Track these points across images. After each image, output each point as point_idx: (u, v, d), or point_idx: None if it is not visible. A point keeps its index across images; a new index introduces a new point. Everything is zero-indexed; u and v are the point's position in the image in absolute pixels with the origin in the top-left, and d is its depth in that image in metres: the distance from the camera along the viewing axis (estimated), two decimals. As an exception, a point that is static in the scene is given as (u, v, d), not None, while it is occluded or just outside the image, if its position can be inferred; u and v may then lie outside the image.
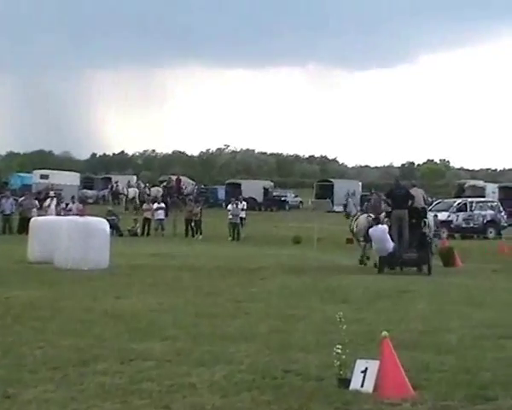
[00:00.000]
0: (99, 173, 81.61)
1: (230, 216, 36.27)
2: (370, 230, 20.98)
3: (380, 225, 20.63)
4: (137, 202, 52.02)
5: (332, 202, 68.68)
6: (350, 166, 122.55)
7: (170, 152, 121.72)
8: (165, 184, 59.96)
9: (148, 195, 50.19)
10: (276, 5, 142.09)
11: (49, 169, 64.57)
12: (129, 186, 57.54)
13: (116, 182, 60.70)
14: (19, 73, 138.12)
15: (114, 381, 7.54)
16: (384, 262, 20.65)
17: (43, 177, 58.94)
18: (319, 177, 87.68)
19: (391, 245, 20.29)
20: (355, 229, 23.28)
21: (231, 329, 10.67)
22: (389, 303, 14.07)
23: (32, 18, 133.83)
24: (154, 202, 39.73)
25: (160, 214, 37.68)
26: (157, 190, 50.68)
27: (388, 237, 20.34)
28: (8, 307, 12.09)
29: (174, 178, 62.82)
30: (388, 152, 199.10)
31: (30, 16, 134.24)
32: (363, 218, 23.06)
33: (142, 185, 58.70)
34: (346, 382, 7.33)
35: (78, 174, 65.30)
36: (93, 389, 7.22)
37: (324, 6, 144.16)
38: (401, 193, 21.69)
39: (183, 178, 65.68)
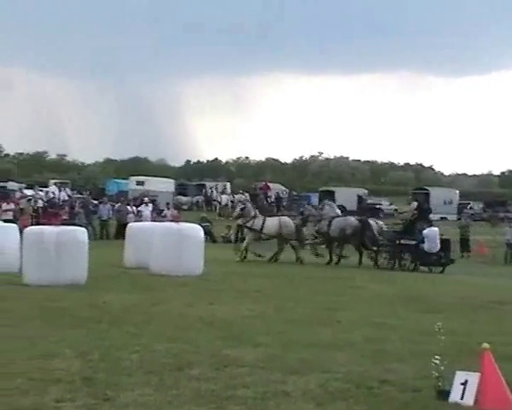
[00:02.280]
0: (193, 180, 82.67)
1: (323, 224, 36.12)
2: (426, 231, 24.22)
3: (433, 228, 24.62)
4: (230, 208, 52.41)
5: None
6: (446, 173, 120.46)
7: (263, 159, 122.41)
8: (251, 191, 60.25)
9: (232, 202, 50.52)
10: (368, 10, 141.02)
11: (145, 176, 65.75)
12: (222, 193, 58.02)
13: (211, 188, 61.31)
14: (116, 83, 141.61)
15: (209, 386, 7.60)
16: (417, 259, 24.27)
17: (139, 183, 60.05)
18: (414, 185, 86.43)
19: (438, 245, 24.10)
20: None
21: (323, 337, 10.62)
22: (483, 314, 13.79)
23: (128, 26, 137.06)
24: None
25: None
26: (240, 197, 50.90)
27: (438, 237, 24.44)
28: (104, 312, 12.36)
29: (261, 184, 63.02)
30: (487, 160, 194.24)
31: (126, 25, 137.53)
32: (288, 219, 26.56)
33: (229, 192, 59.19)
34: (445, 393, 7.19)
35: (172, 181, 66.21)
36: (188, 394, 7.29)
37: (417, 11, 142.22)
38: (426, 207, 27.35)
39: (273, 185, 65.84)
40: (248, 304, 13.86)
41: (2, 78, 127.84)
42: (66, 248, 16.01)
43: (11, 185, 57.53)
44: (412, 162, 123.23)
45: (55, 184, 54.54)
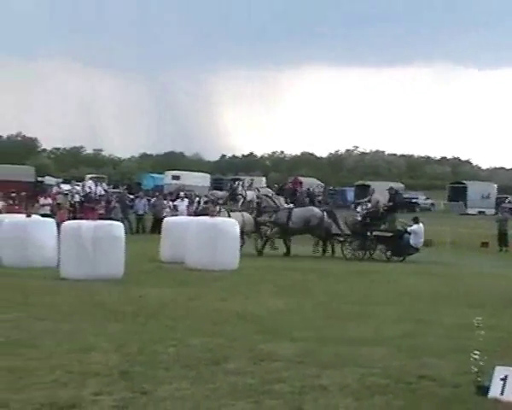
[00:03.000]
0: (228, 175, 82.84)
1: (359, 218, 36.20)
2: (415, 227, 25.05)
3: (420, 224, 25.42)
4: (255, 204, 52.17)
5: (465, 204, 67.22)
6: (484, 167, 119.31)
7: (298, 153, 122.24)
8: (280, 185, 60.06)
9: (258, 197, 50.17)
10: (403, 3, 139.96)
11: (181, 170, 66.03)
12: (248, 188, 57.85)
13: (237, 182, 61.16)
14: (151, 77, 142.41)
15: (246, 381, 7.61)
16: (396, 251, 24.91)
17: (174, 178, 60.28)
18: (451, 179, 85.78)
19: (423, 241, 25.53)
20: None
21: (360, 331, 10.58)
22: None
23: (163, 20, 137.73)
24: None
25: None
26: (267, 192, 50.27)
27: None
28: (141, 306, 12.45)
29: (291, 179, 62.83)
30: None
31: (160, 18, 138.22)
32: (249, 216, 27.22)
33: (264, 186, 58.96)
34: (484, 389, 7.11)
35: (208, 175, 66.39)
36: (225, 388, 7.30)
37: (455, 3, 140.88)
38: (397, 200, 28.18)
39: (308, 180, 65.57)
40: (284, 298, 13.87)
41: (38, 71, 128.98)
42: (103, 242, 16.18)
43: (48, 180, 58.25)
44: (449, 156, 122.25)
45: (92, 178, 54.94)
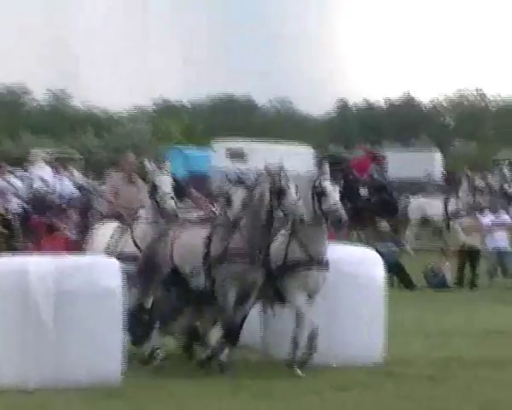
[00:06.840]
0: (353, 148, 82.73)
1: None
2: None
3: None
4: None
5: None
6: None
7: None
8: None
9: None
10: None
11: (248, 139, 65.62)
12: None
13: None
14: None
15: None
16: None
17: (234, 156, 59.86)
18: None
19: None
20: None
21: None
22: None
23: None
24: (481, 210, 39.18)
25: (500, 239, 36.79)
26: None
27: None
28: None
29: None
30: None
31: None
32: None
33: None
34: None
35: (310, 150, 65.86)
36: None
37: None
38: None
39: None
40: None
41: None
42: (80, 304, 16.06)
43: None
44: None
45: (50, 162, 54.40)
